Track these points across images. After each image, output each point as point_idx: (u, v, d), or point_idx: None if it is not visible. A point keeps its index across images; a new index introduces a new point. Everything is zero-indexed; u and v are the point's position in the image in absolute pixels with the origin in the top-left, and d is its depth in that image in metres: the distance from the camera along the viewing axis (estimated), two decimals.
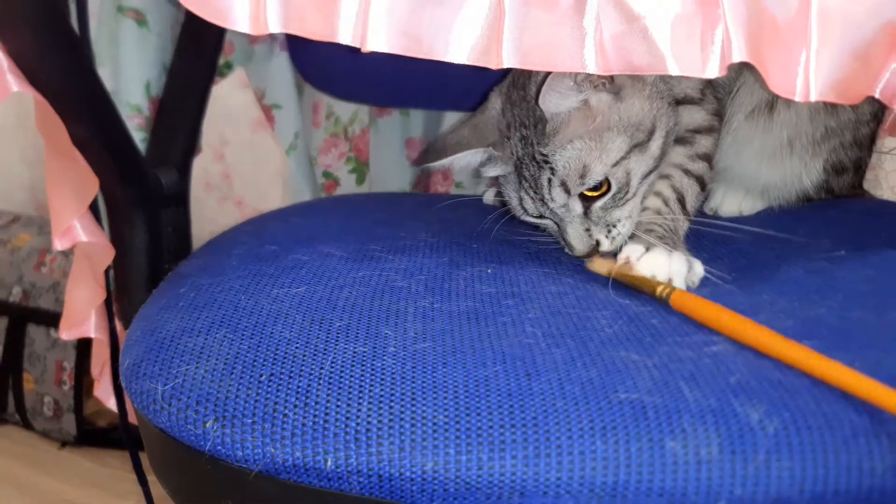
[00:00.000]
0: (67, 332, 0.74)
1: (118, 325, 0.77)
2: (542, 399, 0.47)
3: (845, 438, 0.44)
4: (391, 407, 0.47)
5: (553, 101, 0.66)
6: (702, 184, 0.74)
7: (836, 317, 0.56)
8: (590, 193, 0.67)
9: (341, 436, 0.45)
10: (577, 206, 0.68)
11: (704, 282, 0.64)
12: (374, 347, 0.51)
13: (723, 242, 0.74)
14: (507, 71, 0.75)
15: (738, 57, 0.54)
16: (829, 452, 0.44)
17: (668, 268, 0.62)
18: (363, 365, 0.50)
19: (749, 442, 0.44)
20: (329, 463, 0.45)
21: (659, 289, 0.59)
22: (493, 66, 0.54)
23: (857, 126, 0.82)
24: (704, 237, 0.76)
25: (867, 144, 0.87)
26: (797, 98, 0.53)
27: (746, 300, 0.60)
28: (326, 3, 0.54)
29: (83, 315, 0.73)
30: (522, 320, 0.57)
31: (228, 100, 1.50)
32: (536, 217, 0.72)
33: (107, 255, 0.69)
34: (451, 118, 1.18)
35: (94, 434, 1.53)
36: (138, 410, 0.52)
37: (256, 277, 0.62)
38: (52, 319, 1.50)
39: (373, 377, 0.49)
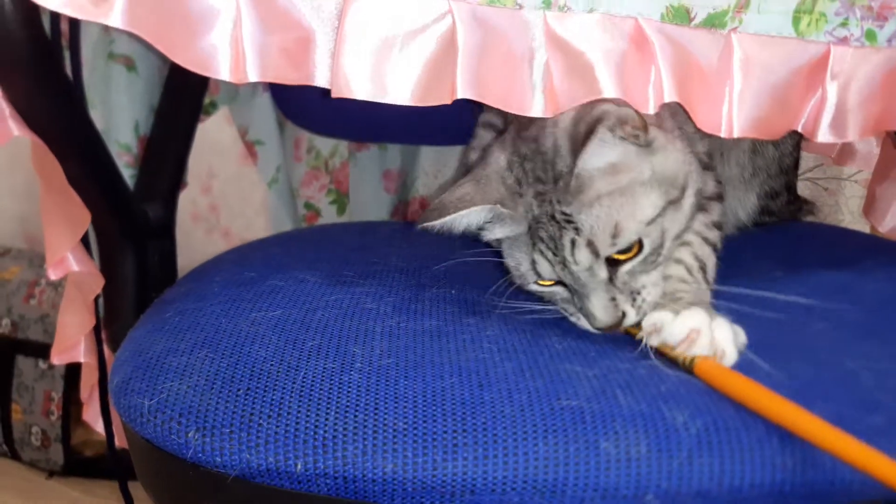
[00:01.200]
0: (58, 357, 0.79)
1: (106, 351, 0.82)
2: (491, 406, 0.52)
3: (760, 437, 0.50)
4: (356, 416, 0.52)
5: (597, 156, 0.60)
6: (717, 253, 0.70)
7: (775, 330, 0.62)
8: (617, 256, 0.61)
9: (310, 442, 0.50)
10: (603, 271, 0.61)
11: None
12: (343, 364, 0.57)
13: None
14: (481, 106, 0.80)
15: (669, 97, 0.60)
16: (746, 450, 0.49)
17: (709, 330, 0.57)
18: (331, 379, 0.55)
19: (674, 441, 0.49)
20: (299, 467, 0.50)
21: (681, 355, 0.56)
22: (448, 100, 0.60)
23: (781, 159, 0.89)
24: None
25: (793, 170, 0.95)
26: (722, 134, 0.60)
27: None
28: (299, 55, 0.60)
29: (73, 340, 0.78)
30: (481, 337, 0.62)
31: (215, 134, 1.56)
32: (549, 285, 0.65)
33: (96, 283, 0.74)
34: (427, 151, 1.25)
35: (81, 464, 1.56)
36: (126, 423, 0.57)
37: (236, 302, 0.67)
38: (40, 350, 1.53)
39: (340, 390, 0.54)
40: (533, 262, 0.64)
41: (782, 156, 0.89)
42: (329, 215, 1.26)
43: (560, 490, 0.49)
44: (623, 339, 0.62)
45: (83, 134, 0.75)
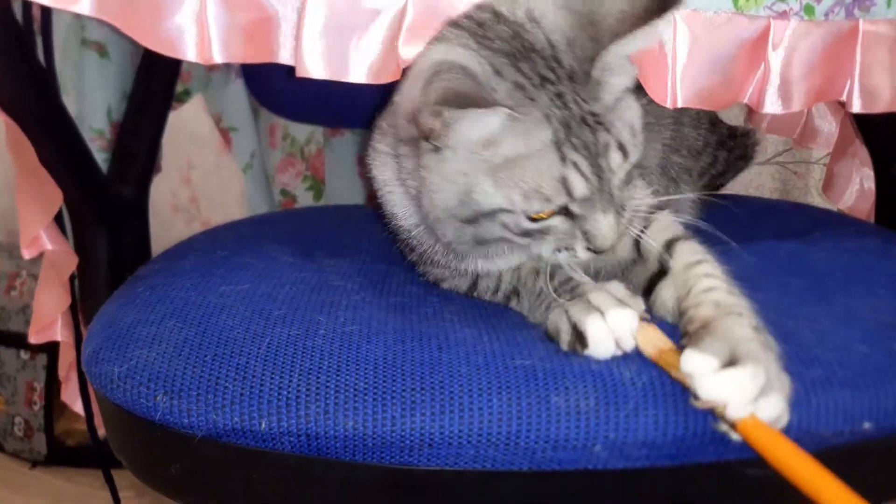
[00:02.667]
0: (36, 336, 0.80)
1: (84, 331, 0.84)
2: (448, 366, 0.54)
3: None
4: (318, 378, 0.54)
5: (626, 45, 0.55)
6: None
7: None
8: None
9: (274, 403, 0.53)
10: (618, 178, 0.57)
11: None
12: (307, 331, 0.59)
13: None
14: None
15: None
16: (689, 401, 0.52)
17: (751, 405, 0.48)
18: (296, 345, 0.57)
19: (621, 395, 0.52)
20: (263, 426, 0.52)
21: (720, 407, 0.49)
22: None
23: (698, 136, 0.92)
24: None
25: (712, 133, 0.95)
26: (668, 104, 0.62)
27: None
28: (263, 36, 0.62)
29: (50, 319, 0.79)
30: (443, 311, 0.65)
31: (194, 126, 1.57)
32: (545, 217, 0.57)
33: (70, 262, 0.76)
34: None
35: (64, 453, 1.57)
36: (98, 391, 0.59)
37: (206, 277, 0.69)
38: (22, 341, 1.54)
39: (304, 354, 0.56)
40: (563, 180, 0.55)
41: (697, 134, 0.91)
42: (306, 201, 1.28)
43: (513, 442, 0.51)
44: None
45: (55, 118, 0.77)
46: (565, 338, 0.55)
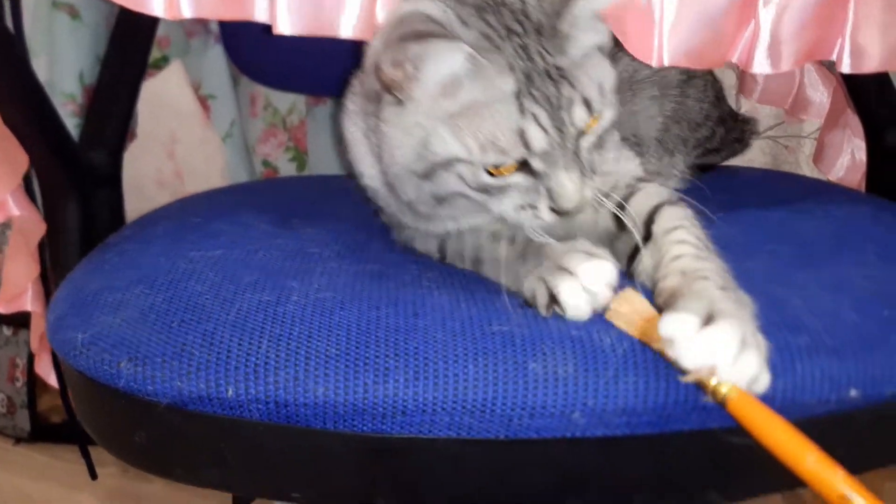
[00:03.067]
0: (6, 306, 0.78)
1: None
2: (424, 333, 0.53)
3: None
4: (289, 344, 0.52)
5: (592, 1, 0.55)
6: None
7: None
8: (583, 127, 0.56)
9: (242, 369, 0.51)
10: (577, 140, 0.56)
11: None
12: (279, 297, 0.57)
13: None
14: None
15: None
16: (670, 369, 0.50)
17: (733, 362, 0.46)
18: (266, 311, 0.55)
19: (601, 361, 0.50)
20: (230, 393, 0.50)
21: (712, 382, 0.46)
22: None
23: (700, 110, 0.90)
24: None
25: (715, 109, 0.94)
26: (653, 63, 0.60)
27: None
28: None
29: (20, 289, 0.77)
30: (421, 278, 0.62)
31: (178, 98, 1.54)
32: (508, 174, 0.56)
33: (39, 229, 0.73)
34: None
35: (48, 430, 1.55)
36: (61, 358, 0.57)
37: (177, 243, 0.66)
38: (3, 317, 1.52)
39: (274, 320, 0.54)
40: (520, 132, 0.54)
41: (700, 107, 0.90)
42: (288, 173, 1.25)
43: (489, 409, 0.49)
44: None
45: (23, 82, 0.74)
46: (542, 302, 0.53)
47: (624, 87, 0.84)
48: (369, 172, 0.67)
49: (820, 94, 1.09)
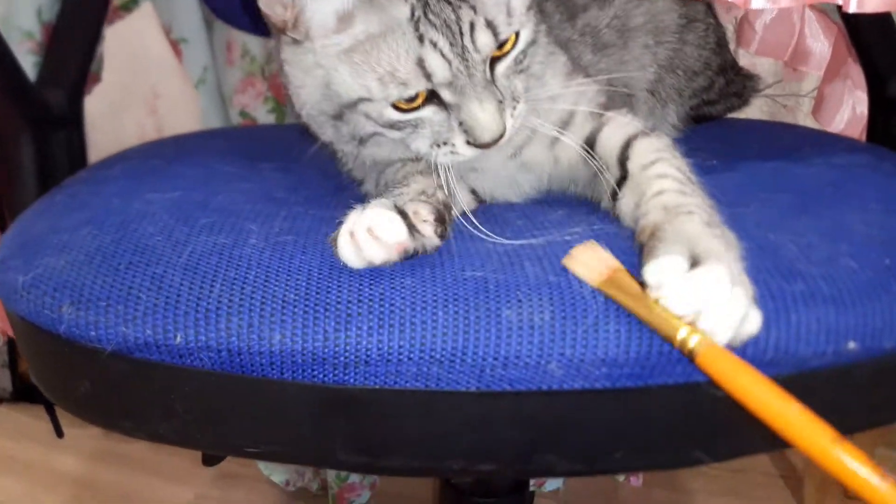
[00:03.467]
0: None
1: None
2: (391, 278, 0.49)
3: None
4: (243, 288, 0.48)
5: None
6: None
7: None
8: (497, 53, 0.54)
9: (192, 314, 0.47)
10: (486, 67, 0.53)
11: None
12: (236, 239, 0.53)
13: None
14: None
15: None
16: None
17: (725, 303, 0.43)
18: (221, 254, 0.51)
19: (580, 309, 0.46)
20: (179, 339, 0.46)
21: (679, 333, 0.43)
22: None
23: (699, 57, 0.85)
24: None
25: (717, 56, 0.89)
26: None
27: None
28: None
29: None
30: None
31: (158, 52, 1.48)
32: (416, 107, 0.54)
33: None
34: None
35: (30, 390, 1.53)
36: (4, 302, 0.53)
37: (134, 184, 0.62)
38: None
39: (229, 263, 0.50)
40: (419, 62, 0.51)
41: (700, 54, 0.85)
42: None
43: (459, 359, 0.46)
44: (549, 221, 0.58)
45: None
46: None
47: (613, 35, 0.79)
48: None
49: (821, 45, 1.04)
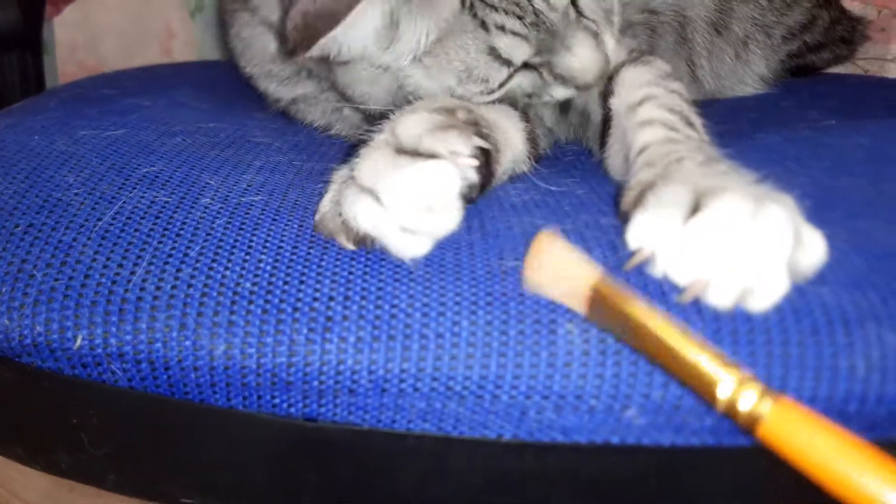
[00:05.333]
0: None
1: None
2: (395, 265, 0.33)
3: None
4: (179, 270, 0.33)
5: None
6: (688, 102, 0.47)
7: (817, 185, 0.43)
8: None
9: (101, 305, 0.32)
10: (569, 5, 0.45)
11: None
12: (183, 197, 0.37)
13: None
14: None
15: None
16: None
17: (754, 247, 0.29)
18: (157, 217, 0.36)
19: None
20: (79, 341, 0.32)
21: (721, 387, 0.27)
22: None
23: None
24: None
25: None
26: None
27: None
28: None
29: None
30: None
31: None
32: (505, 82, 0.45)
33: None
34: None
35: None
36: None
37: (70, 118, 0.47)
38: None
39: (165, 232, 0.35)
40: (492, 52, 0.43)
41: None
42: None
43: (490, 392, 0.30)
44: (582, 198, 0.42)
45: None
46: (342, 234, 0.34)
47: None
48: None
49: None
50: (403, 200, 0.31)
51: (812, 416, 0.26)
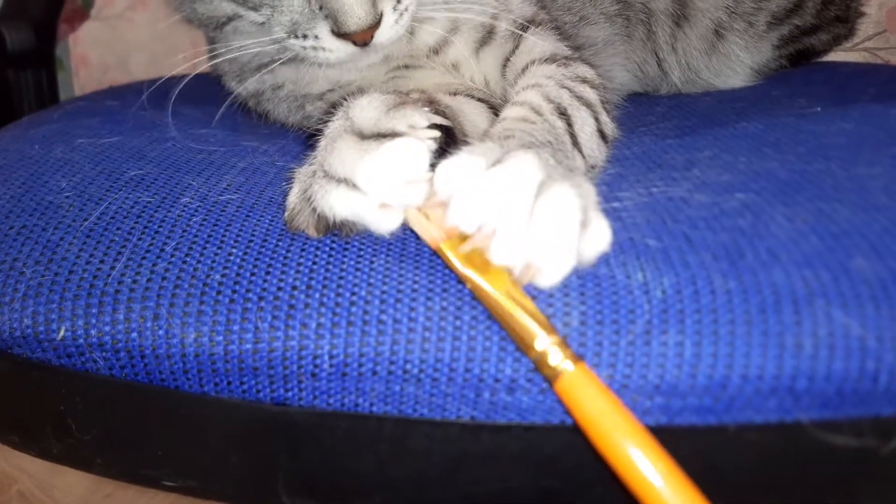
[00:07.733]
0: None
1: None
2: (357, 253, 0.35)
3: None
4: (155, 264, 0.35)
5: None
6: (598, 119, 0.45)
7: (789, 169, 0.43)
8: None
9: (82, 299, 0.34)
10: None
11: (634, 135, 0.51)
12: (165, 197, 0.39)
13: (679, 106, 0.61)
14: None
15: None
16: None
17: (535, 202, 0.31)
18: (139, 216, 0.38)
19: (624, 309, 0.32)
20: (62, 332, 0.34)
21: (538, 342, 0.30)
22: None
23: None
24: (658, 104, 0.62)
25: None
26: None
27: (682, 156, 0.47)
28: None
29: None
30: None
31: None
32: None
33: None
34: None
35: None
36: None
37: (71, 128, 0.50)
38: None
39: (145, 229, 0.37)
40: None
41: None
42: None
43: (446, 375, 0.32)
44: None
45: None
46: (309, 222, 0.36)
47: None
48: None
49: None
50: (381, 182, 0.32)
51: (601, 386, 0.30)
